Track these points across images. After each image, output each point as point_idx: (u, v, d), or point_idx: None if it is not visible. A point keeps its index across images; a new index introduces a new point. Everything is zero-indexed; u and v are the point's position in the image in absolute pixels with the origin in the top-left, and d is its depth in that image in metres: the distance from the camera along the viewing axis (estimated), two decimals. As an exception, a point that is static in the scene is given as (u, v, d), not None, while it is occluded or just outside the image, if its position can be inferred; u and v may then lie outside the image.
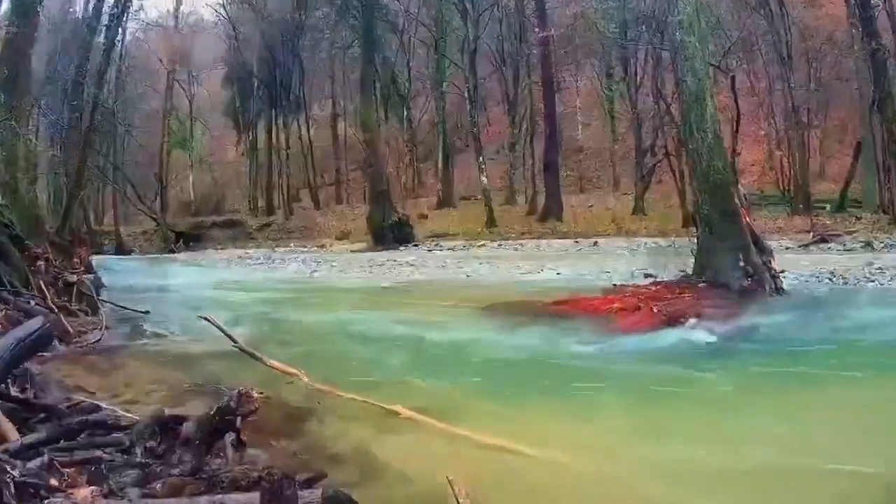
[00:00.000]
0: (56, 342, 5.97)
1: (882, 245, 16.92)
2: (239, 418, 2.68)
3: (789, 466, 3.35)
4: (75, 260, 10.08)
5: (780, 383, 5.07)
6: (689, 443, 3.83)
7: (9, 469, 2.28)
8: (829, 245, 17.92)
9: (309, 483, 2.44)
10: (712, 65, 12.42)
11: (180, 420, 2.81)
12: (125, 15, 24.08)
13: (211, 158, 45.02)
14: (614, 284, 9.91)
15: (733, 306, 7.63)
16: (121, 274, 16.14)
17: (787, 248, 16.63)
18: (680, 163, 24.21)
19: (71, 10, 35.53)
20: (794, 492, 3.09)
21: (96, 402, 3.77)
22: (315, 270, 18.75)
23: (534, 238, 26.37)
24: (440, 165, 36.77)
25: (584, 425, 4.29)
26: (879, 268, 11.46)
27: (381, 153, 29.94)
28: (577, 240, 24.42)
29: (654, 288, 8.87)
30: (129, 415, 3.43)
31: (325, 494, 1.90)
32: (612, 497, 3.03)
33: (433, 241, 27.28)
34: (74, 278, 8.66)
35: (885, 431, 3.85)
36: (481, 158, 31.92)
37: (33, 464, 2.48)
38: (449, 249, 24.25)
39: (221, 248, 33.79)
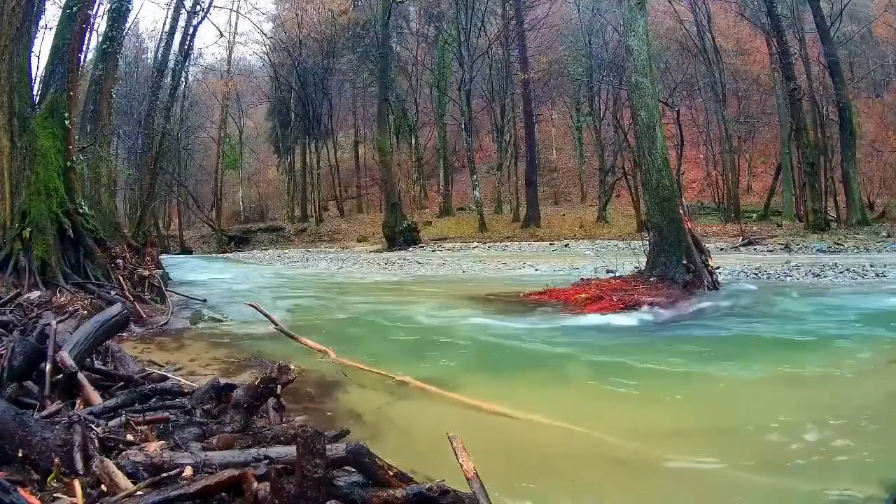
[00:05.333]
0: (131, 325, 5.98)
1: (798, 247, 16.91)
2: (279, 386, 2.68)
3: (716, 425, 3.35)
4: (147, 258, 10.04)
5: (713, 356, 5.06)
6: (643, 403, 3.83)
7: (94, 427, 2.28)
8: (755, 247, 17.92)
9: (335, 438, 2.44)
10: (662, 101, 12.41)
11: (231, 387, 2.80)
12: (187, 61, 24.08)
13: (257, 176, 45.06)
14: (582, 278, 9.88)
15: (677, 296, 7.61)
16: (184, 269, 16.14)
17: (721, 249, 16.61)
18: (635, 180, 24.24)
19: (144, 56, 35.64)
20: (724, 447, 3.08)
21: (164, 373, 3.76)
22: (340, 267, 18.73)
23: (517, 241, 26.37)
24: (441, 182, 36.86)
25: (560, 390, 4.27)
26: (795, 265, 11.46)
27: (393, 172, 29.95)
28: (552, 242, 24.42)
29: (613, 281, 8.85)
30: (191, 383, 3.43)
31: (348, 447, 1.89)
32: (583, 449, 3.02)
33: (435, 243, 27.26)
34: (146, 273, 8.64)
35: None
36: (475, 176, 31.95)
37: (113, 423, 2.48)
38: (448, 250, 24.23)
39: (265, 249, 33.77)
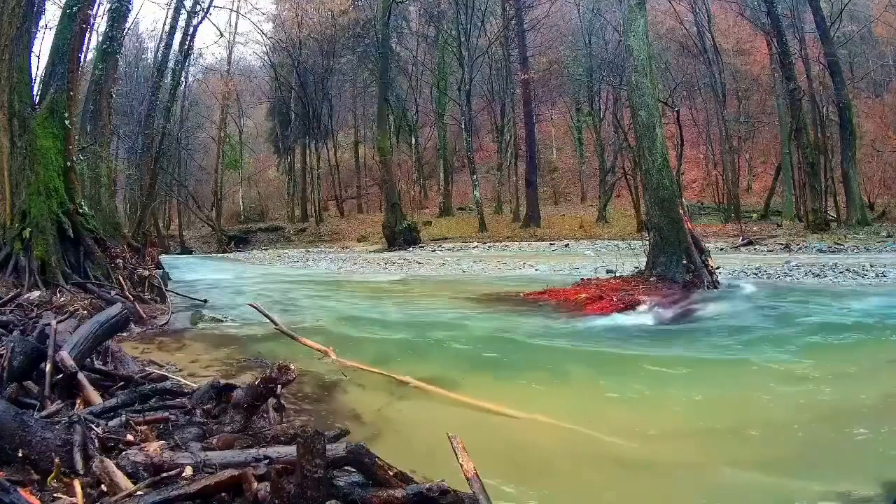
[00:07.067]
0: (131, 325, 5.99)
1: (798, 247, 16.91)
2: (279, 386, 2.67)
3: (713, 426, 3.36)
4: (147, 258, 10.06)
5: (712, 356, 5.06)
6: (643, 403, 3.83)
7: (94, 427, 2.28)
8: (755, 247, 17.92)
9: (335, 438, 2.43)
10: (661, 101, 12.42)
11: (232, 387, 2.80)
12: (187, 61, 24.09)
13: (256, 176, 45.03)
14: (582, 278, 9.88)
15: (677, 296, 7.62)
16: (184, 270, 16.13)
17: (721, 249, 16.61)
18: (635, 180, 24.23)
19: (144, 56, 35.64)
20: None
21: (164, 374, 3.76)
22: (340, 267, 18.73)
23: (517, 241, 26.37)
24: (441, 182, 36.86)
25: (560, 390, 4.27)
26: (795, 265, 11.46)
27: (393, 172, 29.96)
28: (552, 242, 24.42)
29: (613, 281, 8.86)
30: (191, 383, 3.43)
31: (348, 447, 1.89)
32: (583, 449, 3.02)
33: (435, 243, 27.26)
34: (146, 273, 8.64)
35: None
36: (475, 176, 31.96)
37: (113, 423, 2.48)
38: (448, 250, 24.22)
39: (265, 249, 33.75)
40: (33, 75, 8.43)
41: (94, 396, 2.83)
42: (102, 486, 1.85)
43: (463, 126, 33.70)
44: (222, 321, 7.11)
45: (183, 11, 18.78)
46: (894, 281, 9.21)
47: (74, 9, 8.43)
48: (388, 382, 4.13)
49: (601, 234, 25.78)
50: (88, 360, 3.36)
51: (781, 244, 17.78)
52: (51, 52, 8.33)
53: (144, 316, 6.83)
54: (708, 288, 8.07)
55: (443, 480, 1.85)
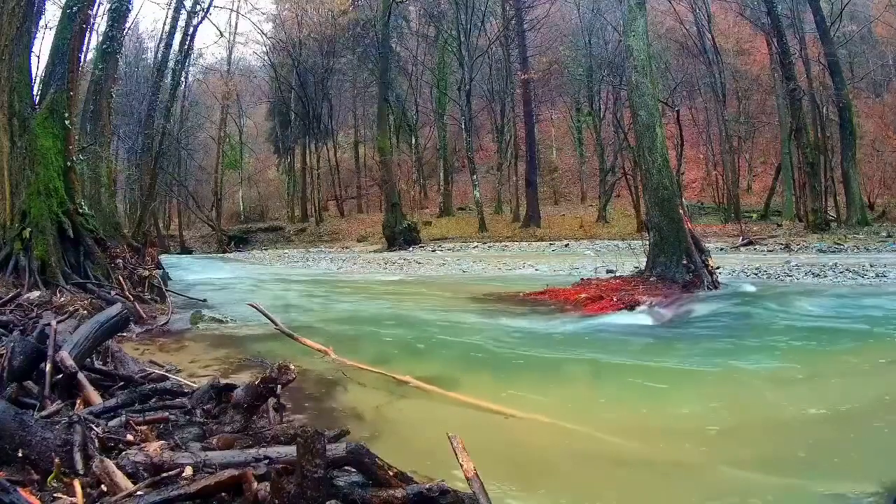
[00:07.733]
0: (131, 325, 5.98)
1: (798, 247, 16.90)
2: (279, 386, 2.68)
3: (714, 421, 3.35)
4: (147, 258, 10.05)
5: (712, 356, 5.05)
6: (643, 403, 3.83)
7: (94, 427, 2.28)
8: (755, 247, 17.91)
9: (335, 438, 2.43)
10: (661, 101, 12.42)
11: (232, 387, 2.80)
12: (188, 61, 24.09)
13: (257, 176, 45.03)
14: (582, 278, 9.87)
15: (677, 296, 7.61)
16: (184, 269, 16.13)
17: (721, 249, 16.60)
18: (635, 180, 24.22)
19: (144, 56, 35.60)
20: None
21: (164, 374, 3.76)
22: (340, 267, 18.72)
23: (517, 241, 26.36)
24: (441, 182, 36.87)
25: (560, 390, 4.26)
26: (795, 265, 11.46)
27: (393, 172, 29.96)
28: (552, 242, 24.41)
29: (613, 281, 8.85)
30: (191, 383, 3.43)
31: (348, 447, 1.89)
32: (583, 449, 3.01)
33: (435, 243, 27.25)
34: (146, 273, 8.63)
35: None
36: (475, 176, 31.96)
37: (113, 423, 2.48)
38: (448, 250, 24.21)
39: (265, 249, 33.75)
40: (33, 75, 8.42)
41: (94, 396, 2.82)
42: (102, 486, 1.85)
43: (463, 126, 33.69)
44: (222, 321, 7.10)
45: (183, 11, 18.74)
46: (894, 281, 9.21)
47: (74, 9, 8.43)
48: (388, 382, 4.13)
49: (601, 234, 25.77)
50: (88, 360, 3.35)
51: (781, 244, 17.77)
52: (51, 52, 8.33)
53: (144, 316, 6.83)
54: (708, 288, 8.06)
55: (443, 480, 1.85)
